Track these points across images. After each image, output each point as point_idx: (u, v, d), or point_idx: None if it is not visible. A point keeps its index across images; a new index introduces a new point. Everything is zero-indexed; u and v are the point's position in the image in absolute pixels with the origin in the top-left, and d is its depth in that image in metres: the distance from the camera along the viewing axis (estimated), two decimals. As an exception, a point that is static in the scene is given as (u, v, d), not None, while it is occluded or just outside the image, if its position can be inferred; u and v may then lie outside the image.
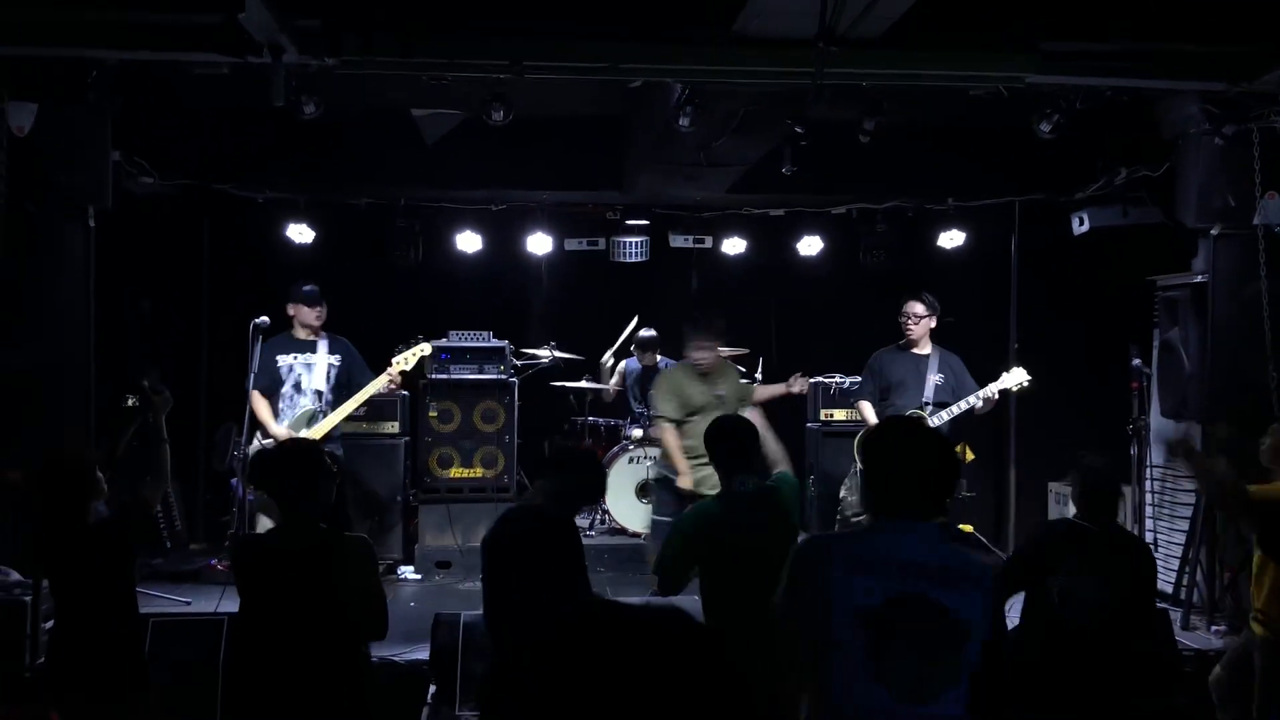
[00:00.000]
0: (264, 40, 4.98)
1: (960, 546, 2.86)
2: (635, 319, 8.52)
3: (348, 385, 6.63)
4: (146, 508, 4.18)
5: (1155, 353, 6.89)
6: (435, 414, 7.92)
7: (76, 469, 4.11)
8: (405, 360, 6.61)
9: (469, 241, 8.40)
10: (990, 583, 2.72)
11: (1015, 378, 6.64)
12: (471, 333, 8.05)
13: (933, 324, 6.83)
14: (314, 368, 6.62)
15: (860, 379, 7.11)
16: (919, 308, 6.81)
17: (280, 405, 6.54)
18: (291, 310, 6.65)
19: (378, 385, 6.53)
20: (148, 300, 7.83)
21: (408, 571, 7.51)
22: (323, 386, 6.60)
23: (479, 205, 8.42)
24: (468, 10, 5.31)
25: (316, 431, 6.41)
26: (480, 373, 7.97)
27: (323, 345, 6.68)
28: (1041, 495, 8.35)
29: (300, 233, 8.05)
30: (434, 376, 7.93)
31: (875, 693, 2.59)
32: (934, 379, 6.76)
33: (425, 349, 6.87)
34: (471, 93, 5.85)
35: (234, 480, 6.40)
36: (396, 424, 7.86)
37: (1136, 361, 6.87)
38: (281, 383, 6.56)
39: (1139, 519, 7.01)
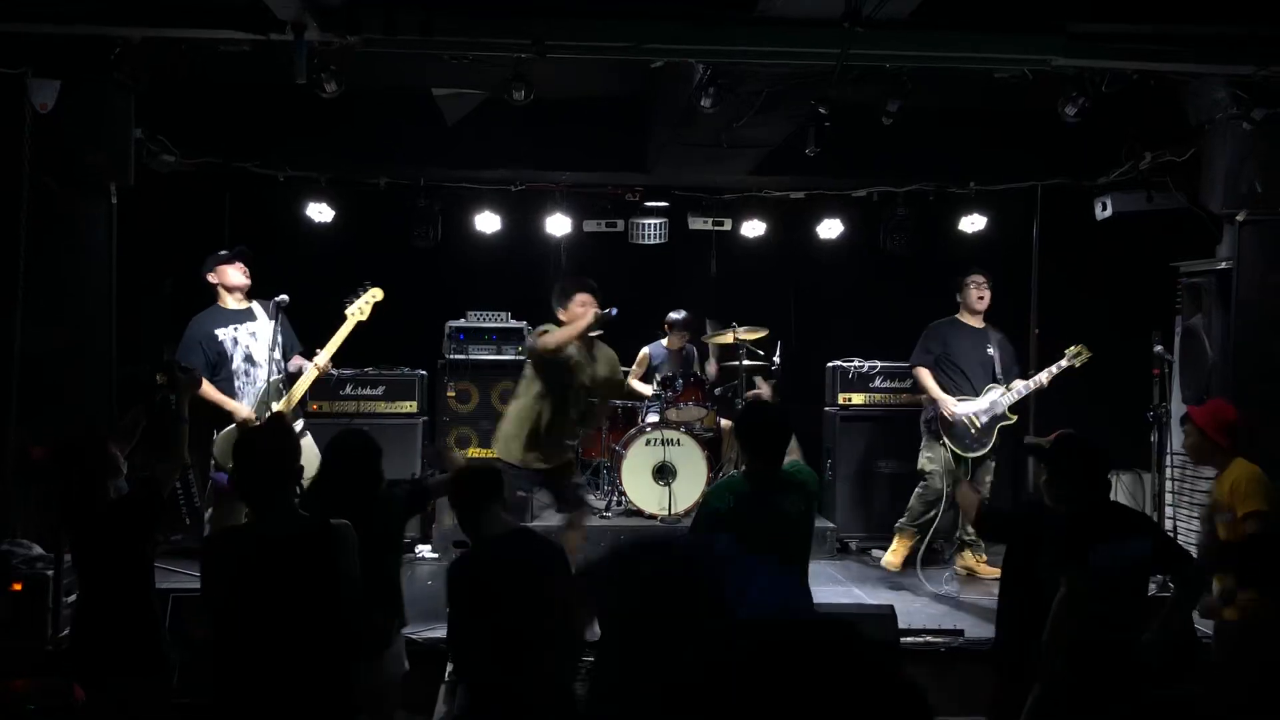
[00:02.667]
0: (286, 18, 4.97)
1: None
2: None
3: (286, 351, 6.21)
4: (160, 487, 4.20)
5: (1177, 339, 6.84)
6: (453, 394, 7.94)
7: (94, 448, 4.14)
8: (360, 310, 6.16)
9: (488, 222, 8.40)
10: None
11: (1078, 355, 6.82)
12: (490, 313, 8.06)
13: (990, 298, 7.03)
14: (258, 335, 6.19)
15: (918, 344, 7.17)
16: (984, 277, 7.01)
17: (237, 384, 6.10)
18: (213, 278, 6.20)
19: (334, 346, 6.06)
20: (170, 279, 7.85)
21: (425, 550, 7.55)
22: (276, 353, 6.10)
23: (498, 186, 8.41)
24: (491, -12, 5.29)
25: (284, 405, 6.05)
26: (498, 353, 7.99)
27: (260, 311, 6.25)
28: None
29: (320, 211, 8.07)
30: (452, 357, 7.95)
31: None
32: (997, 356, 6.98)
33: (377, 293, 6.28)
34: (493, 72, 5.83)
35: (217, 474, 6.07)
36: (414, 404, 7.89)
37: (1159, 348, 6.83)
38: (229, 358, 6.11)
39: (1159, 506, 6.98)
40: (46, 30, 5.39)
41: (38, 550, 5.51)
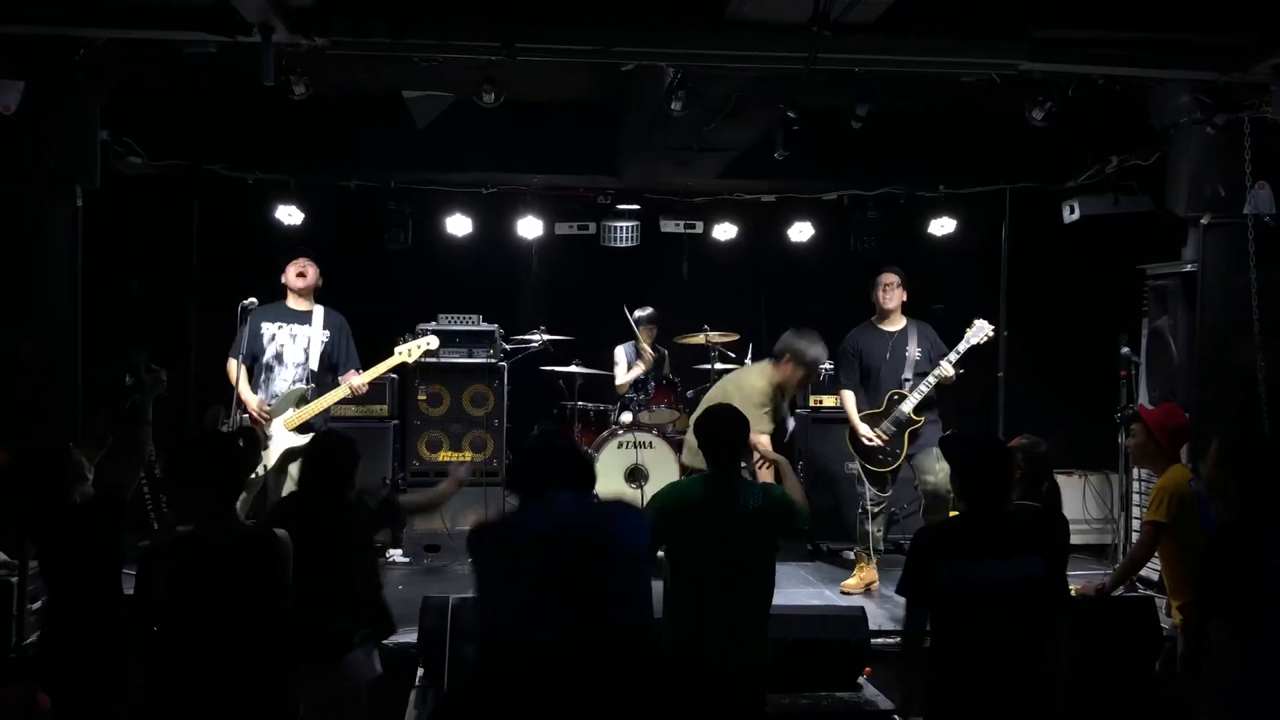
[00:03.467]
0: (254, 20, 4.95)
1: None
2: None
3: (332, 366, 6.44)
4: (122, 490, 4.16)
5: (1144, 341, 6.91)
6: (424, 397, 7.91)
7: (56, 454, 4.10)
8: (409, 351, 6.55)
9: (459, 224, 8.38)
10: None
11: (979, 331, 6.56)
12: (461, 316, 8.03)
13: (904, 296, 6.81)
14: (298, 339, 6.39)
15: (835, 366, 7.07)
16: (893, 276, 6.79)
17: (260, 376, 6.31)
18: (283, 277, 6.48)
19: (373, 374, 6.41)
20: (136, 281, 7.78)
21: (396, 554, 7.52)
22: (304, 359, 6.34)
23: (470, 188, 8.39)
24: (460, -9, 5.29)
25: (302, 415, 6.28)
26: (470, 356, 7.96)
27: (317, 318, 6.45)
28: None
29: (290, 214, 8.02)
30: (423, 360, 7.91)
31: None
32: (914, 353, 6.74)
33: (432, 342, 6.74)
34: (463, 75, 5.82)
35: None
36: (385, 406, 7.85)
37: (1125, 350, 6.90)
38: (263, 351, 6.33)
39: (1126, 506, 7.06)
40: (9, 31, 5.33)
41: (1, 556, 5.44)
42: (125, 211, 7.26)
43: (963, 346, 6.54)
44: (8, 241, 5.72)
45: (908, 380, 6.68)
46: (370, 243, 8.26)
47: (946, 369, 6.53)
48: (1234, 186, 6.10)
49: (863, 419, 6.71)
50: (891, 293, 6.76)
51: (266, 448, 6.12)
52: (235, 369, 6.19)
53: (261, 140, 7.48)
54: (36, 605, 5.37)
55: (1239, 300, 6.10)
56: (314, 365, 6.39)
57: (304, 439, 6.03)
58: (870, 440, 6.66)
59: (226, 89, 6.62)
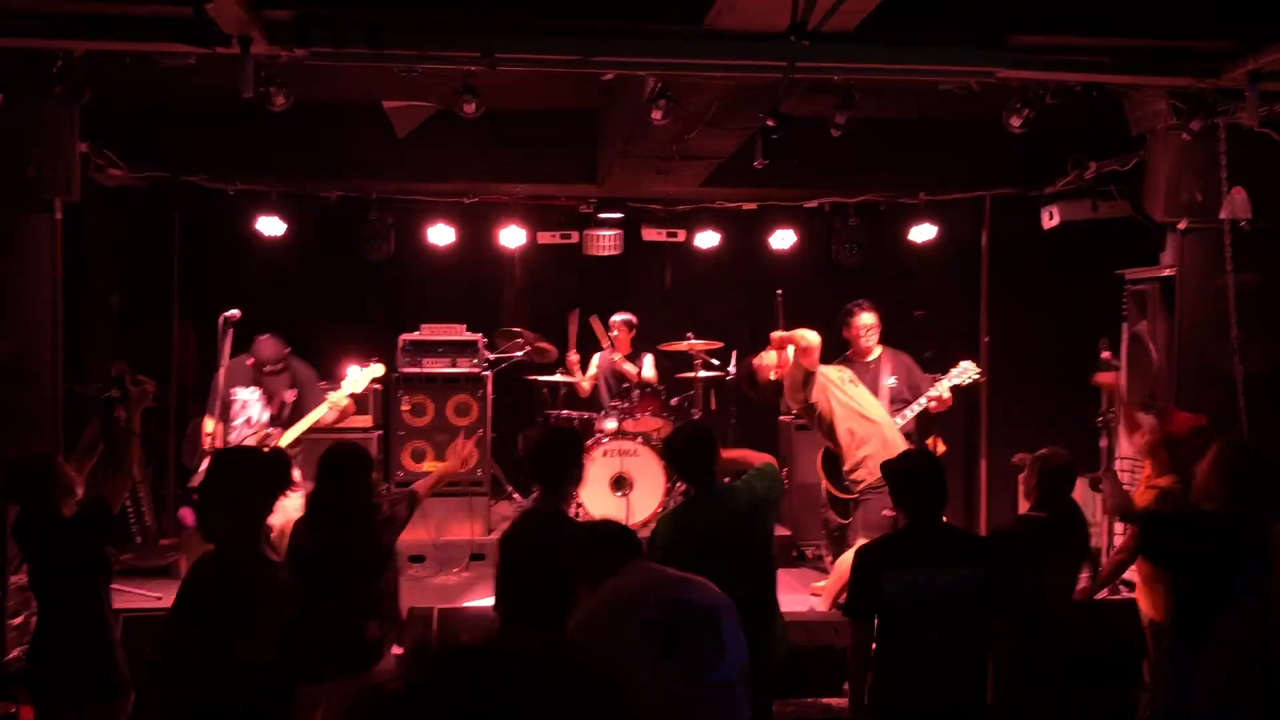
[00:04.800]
0: (232, 31, 4.92)
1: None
2: (576, 312, 8.45)
3: (301, 412, 6.43)
4: (110, 503, 4.14)
5: (1124, 346, 6.96)
6: (408, 408, 7.90)
7: (45, 467, 4.09)
8: (355, 383, 6.40)
9: (441, 234, 8.37)
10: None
11: (964, 373, 6.59)
12: (444, 326, 8.02)
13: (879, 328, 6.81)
14: (249, 404, 6.45)
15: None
16: (870, 318, 6.77)
17: (230, 437, 6.34)
18: (249, 358, 6.46)
19: (321, 411, 6.29)
20: (117, 294, 7.75)
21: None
22: (271, 412, 6.44)
23: (451, 198, 8.39)
24: (439, 2, 5.28)
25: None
26: (453, 366, 7.96)
27: (282, 379, 6.50)
28: (1012, 487, 8.39)
29: (271, 225, 7.99)
30: (406, 370, 7.91)
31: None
32: (887, 384, 6.72)
33: (377, 370, 6.56)
34: (443, 85, 5.82)
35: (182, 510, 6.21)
36: (370, 417, 7.83)
37: (1106, 354, 6.93)
38: (234, 417, 6.39)
39: (1107, 511, 7.08)
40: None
41: (-19, 572, 5.41)
42: (105, 223, 7.23)
43: (946, 384, 6.57)
44: (-14, 254, 5.69)
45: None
46: (352, 253, 8.23)
47: (942, 389, 6.54)
48: (1210, 191, 6.15)
49: None
50: (872, 335, 6.77)
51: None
52: (212, 428, 6.23)
53: (242, 151, 7.46)
54: (18, 621, 5.35)
55: (1217, 303, 6.15)
56: (257, 424, 6.40)
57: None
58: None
59: (206, 100, 6.60)
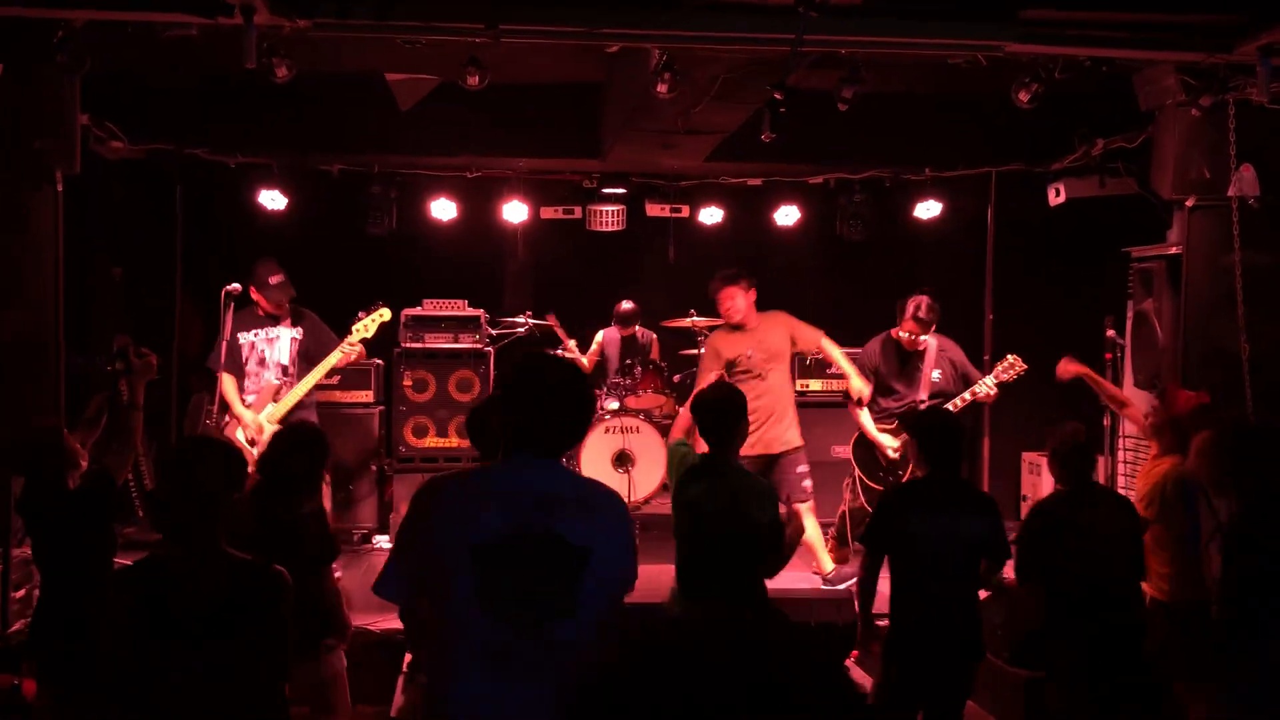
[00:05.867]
0: (236, 1, 4.88)
1: (588, 478, 2.82)
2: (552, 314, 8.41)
3: (311, 358, 6.48)
4: (113, 476, 4.13)
5: (1129, 323, 6.93)
6: (410, 383, 7.88)
7: (51, 440, 4.08)
8: (365, 327, 6.44)
9: (444, 209, 8.34)
10: (622, 510, 2.72)
11: (1010, 368, 6.50)
12: (447, 301, 8.00)
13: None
14: (277, 342, 6.52)
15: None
16: (934, 317, 6.57)
17: (246, 383, 6.44)
18: (253, 294, 6.49)
19: (335, 357, 6.39)
20: (119, 267, 7.73)
21: (382, 541, 7.50)
22: (285, 360, 6.48)
23: (454, 172, 8.35)
24: (444, -28, 5.23)
25: (282, 406, 6.32)
26: (455, 341, 7.94)
27: (285, 319, 6.59)
28: (1016, 465, 8.41)
29: (273, 198, 7.96)
30: (408, 345, 7.89)
31: (488, 627, 2.52)
32: (931, 375, 6.62)
33: (384, 314, 6.59)
34: (447, 57, 5.77)
35: None
36: (370, 392, 7.82)
37: (1111, 332, 6.91)
38: (245, 360, 6.45)
39: (1112, 489, 7.07)
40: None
41: (-16, 544, 5.41)
42: (107, 196, 7.19)
43: (993, 381, 6.47)
44: (-12, 226, 5.66)
45: (923, 402, 6.54)
46: (354, 227, 8.21)
47: (988, 388, 6.46)
48: (1219, 169, 6.11)
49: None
50: (916, 330, 6.53)
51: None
52: (228, 384, 6.32)
53: (244, 124, 7.42)
54: (20, 594, 5.36)
55: (1224, 282, 6.12)
56: (286, 361, 6.48)
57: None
58: (895, 453, 6.56)
59: (208, 72, 6.56)
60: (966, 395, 6.51)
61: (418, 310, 8.01)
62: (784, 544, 4.30)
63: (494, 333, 8.17)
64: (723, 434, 4.29)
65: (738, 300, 6.54)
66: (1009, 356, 6.56)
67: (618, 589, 2.70)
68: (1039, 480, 7.98)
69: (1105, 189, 7.26)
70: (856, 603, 4.48)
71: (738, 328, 6.58)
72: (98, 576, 4.00)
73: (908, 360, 6.64)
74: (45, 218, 5.86)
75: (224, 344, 6.30)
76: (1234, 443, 3.96)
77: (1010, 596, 4.82)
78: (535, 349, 8.35)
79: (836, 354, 6.64)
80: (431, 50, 5.63)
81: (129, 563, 3.41)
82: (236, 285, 6.24)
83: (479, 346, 7.95)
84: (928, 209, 8.34)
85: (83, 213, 6.32)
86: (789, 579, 6.56)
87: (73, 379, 6.00)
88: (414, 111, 7.19)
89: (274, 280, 6.46)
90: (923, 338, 6.60)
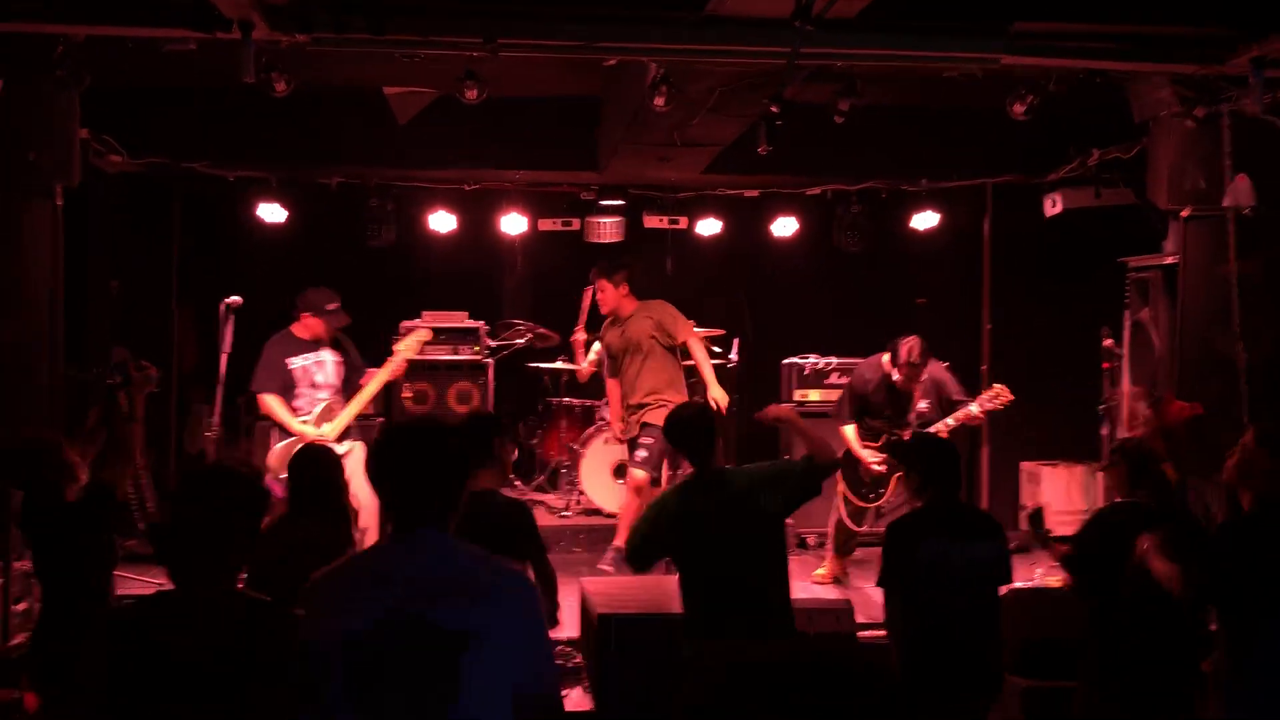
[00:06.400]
0: (233, 16, 4.90)
1: (478, 551, 2.46)
2: (589, 289, 8.43)
3: (348, 379, 6.52)
4: (113, 488, 4.13)
5: (1126, 333, 6.95)
6: (410, 395, 7.89)
7: (49, 452, 4.08)
8: (409, 348, 6.53)
9: (442, 221, 8.36)
10: (526, 598, 2.43)
11: (996, 398, 6.43)
12: (445, 313, 8.02)
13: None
14: (325, 365, 6.51)
15: (839, 401, 6.86)
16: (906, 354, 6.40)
17: (299, 404, 6.38)
18: (306, 318, 6.42)
19: (384, 376, 6.44)
20: (116, 280, 7.74)
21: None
22: (335, 381, 6.49)
23: (452, 185, 8.37)
24: (442, -14, 5.27)
25: (336, 425, 6.32)
26: (454, 353, 7.95)
27: (323, 344, 6.56)
28: (1014, 475, 8.41)
29: (272, 212, 7.98)
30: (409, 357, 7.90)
31: None
32: (920, 406, 6.58)
33: (425, 334, 6.73)
34: (444, 70, 5.80)
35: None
36: (370, 406, 7.82)
37: (1108, 342, 6.94)
38: (295, 384, 6.40)
39: (1109, 498, 7.08)
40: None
41: (-17, 557, 5.40)
42: (105, 210, 7.21)
43: (977, 409, 6.42)
44: (-13, 239, 5.68)
45: (910, 426, 6.51)
46: (353, 240, 8.23)
47: (972, 411, 6.41)
48: (1214, 179, 6.13)
49: None
50: (904, 370, 6.40)
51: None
52: (275, 405, 6.28)
53: (242, 137, 7.45)
54: (21, 607, 5.36)
55: (1220, 292, 6.14)
56: (336, 382, 6.49)
57: (344, 448, 6.16)
58: (878, 468, 6.53)
59: (206, 86, 6.59)
60: (951, 421, 6.44)
61: (417, 322, 8.02)
62: (821, 465, 4.23)
63: (493, 344, 8.19)
64: (698, 446, 4.22)
65: (606, 293, 6.95)
66: (995, 386, 6.48)
67: (527, 680, 2.36)
68: (1038, 490, 7.98)
69: (1101, 200, 7.29)
70: (891, 643, 4.25)
71: (614, 319, 6.96)
72: (97, 588, 4.00)
73: (899, 394, 6.56)
74: (44, 230, 5.88)
75: (272, 365, 6.29)
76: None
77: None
78: (536, 361, 8.38)
79: (700, 356, 6.87)
80: (429, 64, 5.66)
81: (128, 575, 3.37)
82: (236, 298, 6.24)
83: (478, 358, 7.96)
84: (924, 220, 8.37)
85: (81, 226, 6.33)
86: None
87: (69, 391, 6.01)
88: (412, 125, 7.23)
89: (331, 307, 6.44)
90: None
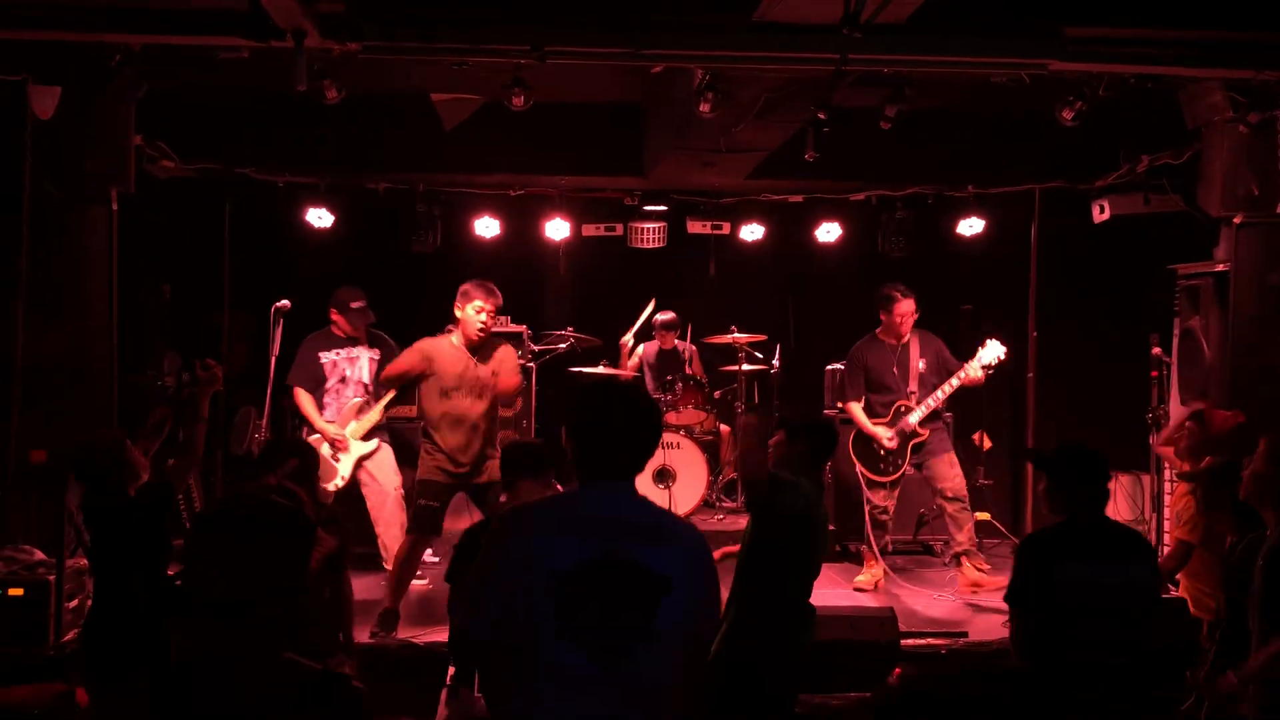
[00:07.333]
0: (287, 25, 4.98)
1: (666, 510, 2.80)
2: (653, 302, 8.50)
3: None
4: (174, 485, 4.19)
5: (1175, 341, 6.87)
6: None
7: (111, 451, 4.15)
8: None
9: (487, 227, 8.42)
10: (703, 545, 2.67)
11: (992, 351, 6.68)
12: (490, 318, 8.03)
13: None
14: (357, 362, 6.65)
15: (843, 377, 7.10)
16: (911, 305, 6.80)
17: (326, 399, 6.56)
18: (334, 315, 6.63)
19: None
20: (168, 284, 7.86)
21: (427, 554, 7.54)
22: (366, 379, 6.62)
23: (497, 190, 8.42)
24: (490, -5, 5.32)
25: (364, 423, 6.47)
26: (498, 358, 7.96)
27: (361, 341, 6.72)
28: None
29: (320, 217, 8.08)
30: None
31: (567, 653, 2.47)
32: (918, 366, 6.82)
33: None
34: (492, 77, 5.85)
35: None
36: (415, 407, 7.88)
37: (1157, 350, 6.86)
38: (325, 379, 6.56)
39: (1157, 508, 7.01)
40: (47, 38, 5.40)
41: (39, 556, 5.51)
42: (158, 215, 7.33)
43: (977, 365, 6.66)
44: (45, 245, 5.79)
45: (913, 393, 6.79)
46: (399, 245, 8.30)
47: (973, 370, 6.63)
48: (1267, 185, 6.05)
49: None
50: (908, 321, 6.82)
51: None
52: (305, 399, 6.46)
53: (291, 143, 7.54)
54: (74, 604, 5.46)
55: (1272, 300, 6.06)
56: (367, 380, 6.63)
57: (371, 445, 6.50)
58: (891, 443, 6.72)
59: (256, 91, 6.68)
60: (954, 381, 6.69)
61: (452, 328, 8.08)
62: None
63: (536, 349, 8.22)
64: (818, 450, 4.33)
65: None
66: (990, 341, 6.72)
67: (701, 625, 2.65)
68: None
69: (1150, 206, 7.20)
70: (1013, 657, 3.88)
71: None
72: (151, 584, 4.06)
73: (893, 353, 6.84)
74: (100, 236, 5.98)
75: (307, 360, 6.47)
76: None
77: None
78: (579, 365, 8.41)
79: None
80: (476, 71, 5.70)
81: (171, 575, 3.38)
82: (285, 302, 6.35)
83: (521, 363, 7.98)
84: (970, 226, 8.31)
85: (134, 231, 6.44)
86: (831, 596, 6.55)
87: (124, 393, 6.11)
88: (458, 130, 7.28)
89: (355, 305, 6.61)
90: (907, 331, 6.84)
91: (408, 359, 5.84)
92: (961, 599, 6.64)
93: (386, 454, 6.61)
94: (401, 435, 7.37)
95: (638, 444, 2.68)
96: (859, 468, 6.81)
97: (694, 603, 2.58)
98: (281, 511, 2.43)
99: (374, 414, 6.52)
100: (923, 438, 6.75)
